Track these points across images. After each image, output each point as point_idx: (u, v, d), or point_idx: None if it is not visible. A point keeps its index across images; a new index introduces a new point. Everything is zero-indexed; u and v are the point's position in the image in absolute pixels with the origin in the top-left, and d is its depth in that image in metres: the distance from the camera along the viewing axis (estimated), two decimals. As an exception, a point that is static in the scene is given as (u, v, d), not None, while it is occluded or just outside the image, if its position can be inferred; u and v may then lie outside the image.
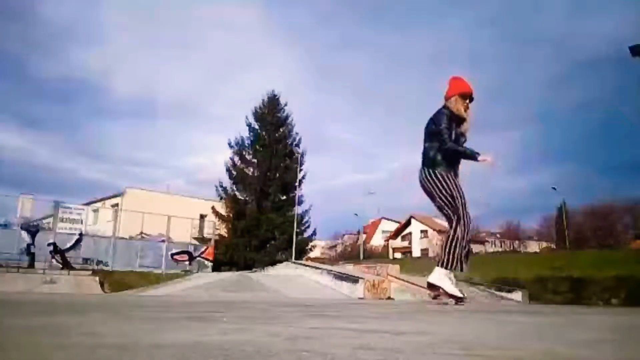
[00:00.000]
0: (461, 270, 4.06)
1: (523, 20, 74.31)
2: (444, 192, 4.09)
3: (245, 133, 30.73)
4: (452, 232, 4.01)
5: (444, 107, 4.28)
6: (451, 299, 4.00)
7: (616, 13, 63.14)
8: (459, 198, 4.05)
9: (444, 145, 4.11)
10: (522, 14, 73.15)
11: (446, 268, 4.00)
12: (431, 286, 4.14)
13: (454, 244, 3.98)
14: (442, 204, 4.11)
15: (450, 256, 3.98)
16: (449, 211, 4.08)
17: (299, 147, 30.75)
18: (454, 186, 4.10)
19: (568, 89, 76.02)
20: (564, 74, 75.86)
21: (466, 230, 4.02)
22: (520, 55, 77.27)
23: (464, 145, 4.27)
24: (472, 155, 4.12)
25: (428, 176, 4.16)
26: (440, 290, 4.06)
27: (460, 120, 4.26)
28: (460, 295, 4.01)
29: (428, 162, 4.20)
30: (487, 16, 77.03)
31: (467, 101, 4.33)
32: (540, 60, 76.23)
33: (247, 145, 30.58)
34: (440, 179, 4.11)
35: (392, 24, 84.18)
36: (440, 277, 4.03)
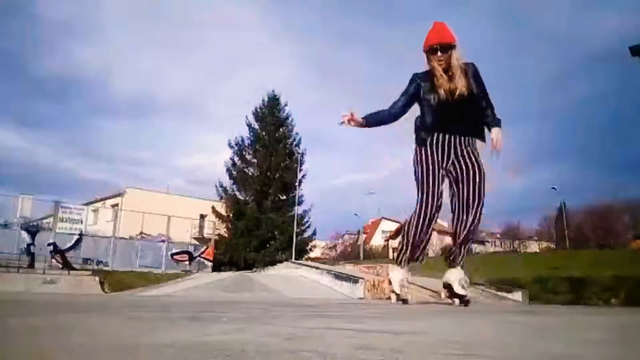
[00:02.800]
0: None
1: (524, 16, 74.08)
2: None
3: (245, 133, 30.79)
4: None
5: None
6: (456, 299, 4.02)
7: (618, 10, 63.03)
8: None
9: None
10: (524, 10, 72.88)
11: (454, 267, 4.02)
12: (445, 286, 4.15)
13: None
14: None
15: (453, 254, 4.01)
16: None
17: (299, 147, 30.77)
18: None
19: (568, 88, 75.90)
20: (564, 73, 75.82)
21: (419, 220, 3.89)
22: (520, 53, 77.12)
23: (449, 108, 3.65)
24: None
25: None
26: (448, 290, 4.07)
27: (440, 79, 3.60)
28: (464, 293, 4.01)
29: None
30: (488, 12, 76.81)
31: (439, 54, 3.53)
32: (541, 58, 76.06)
33: (247, 145, 30.62)
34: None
35: (393, 21, 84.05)
36: (453, 277, 4.03)
